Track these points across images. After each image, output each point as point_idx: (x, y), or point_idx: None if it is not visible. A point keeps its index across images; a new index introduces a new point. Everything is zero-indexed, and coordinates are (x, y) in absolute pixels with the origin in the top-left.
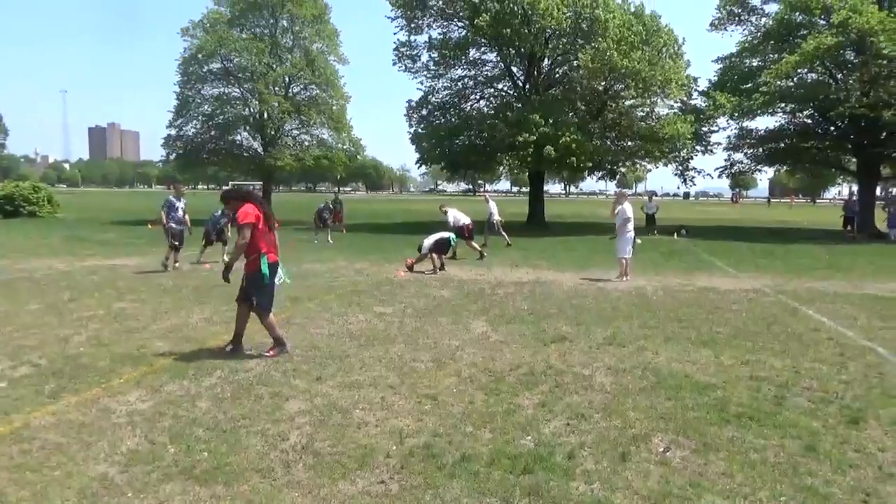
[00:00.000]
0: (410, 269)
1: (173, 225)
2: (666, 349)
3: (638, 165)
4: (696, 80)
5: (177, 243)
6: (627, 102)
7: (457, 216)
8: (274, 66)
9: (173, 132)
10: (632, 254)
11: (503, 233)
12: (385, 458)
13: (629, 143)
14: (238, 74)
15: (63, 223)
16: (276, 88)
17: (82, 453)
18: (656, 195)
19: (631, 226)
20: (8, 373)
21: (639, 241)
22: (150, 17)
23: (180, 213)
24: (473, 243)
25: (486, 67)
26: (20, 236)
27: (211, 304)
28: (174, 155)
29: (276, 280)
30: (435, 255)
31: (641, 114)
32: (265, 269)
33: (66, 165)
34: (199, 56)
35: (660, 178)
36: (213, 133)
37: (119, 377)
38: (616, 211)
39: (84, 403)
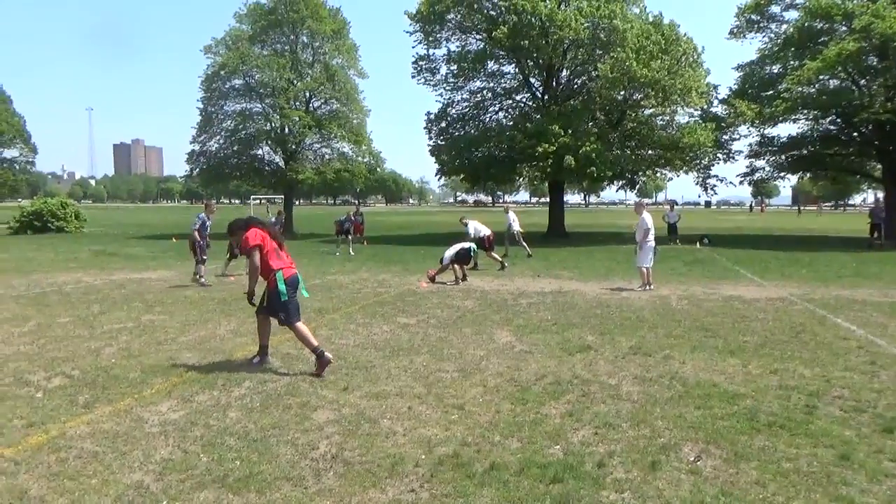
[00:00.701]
0: (433, 280)
1: (203, 243)
2: (693, 358)
3: (658, 174)
4: (716, 87)
5: (205, 257)
6: (647, 111)
7: (477, 227)
8: (294, 81)
9: (197, 147)
10: (653, 263)
11: (523, 243)
12: (414, 466)
13: (649, 152)
14: (259, 90)
15: (90, 238)
16: (297, 103)
17: (118, 462)
18: (677, 204)
19: (652, 235)
20: (43, 383)
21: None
22: (174, 37)
23: (208, 231)
24: (494, 254)
25: (505, 79)
26: (49, 251)
27: (237, 315)
28: (198, 170)
29: (297, 290)
30: (457, 266)
31: (661, 122)
32: (282, 286)
33: (92, 182)
34: (222, 73)
35: (680, 187)
36: (235, 148)
37: (150, 388)
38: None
39: (117, 413)
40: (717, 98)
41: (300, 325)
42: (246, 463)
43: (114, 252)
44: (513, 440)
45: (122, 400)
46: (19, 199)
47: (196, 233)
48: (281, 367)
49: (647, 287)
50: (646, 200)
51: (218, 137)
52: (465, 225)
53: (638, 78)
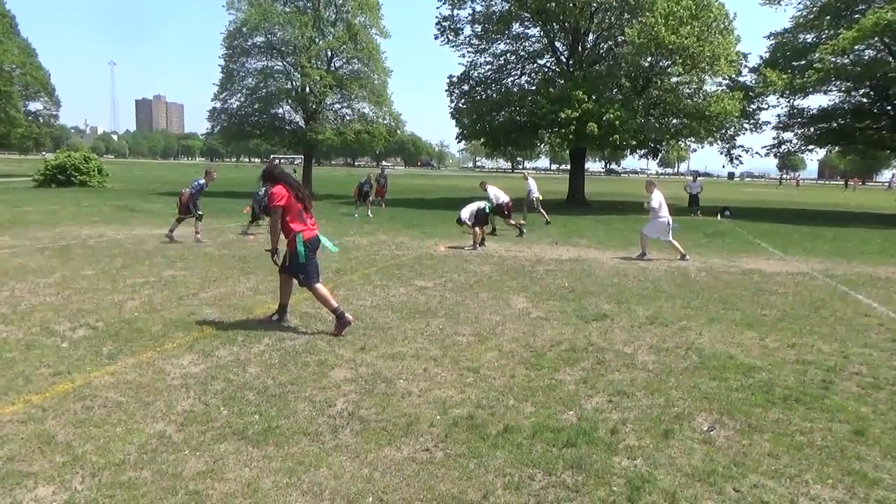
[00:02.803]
0: (477, 242)
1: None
2: (709, 330)
3: (682, 144)
4: (746, 56)
5: (200, 213)
6: (674, 79)
7: (496, 193)
8: (316, 39)
9: (218, 105)
10: (671, 236)
11: (542, 210)
12: (429, 426)
13: (674, 121)
14: (281, 48)
15: (112, 193)
16: (318, 62)
17: (141, 412)
18: (700, 175)
19: (663, 212)
20: (68, 334)
21: (677, 225)
22: None
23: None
24: (512, 220)
25: (529, 42)
26: (73, 205)
27: (256, 274)
28: (218, 127)
29: (319, 251)
30: (477, 230)
31: (688, 91)
32: (301, 248)
33: (115, 137)
34: (244, 30)
35: (703, 158)
36: (256, 106)
37: (172, 341)
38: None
39: (140, 365)
40: (746, 67)
41: (319, 286)
42: (265, 417)
43: (135, 207)
44: (527, 404)
45: (145, 352)
46: (44, 153)
47: (189, 195)
48: (299, 326)
49: (644, 255)
50: (654, 180)
51: (239, 95)
52: (485, 190)
53: (666, 44)
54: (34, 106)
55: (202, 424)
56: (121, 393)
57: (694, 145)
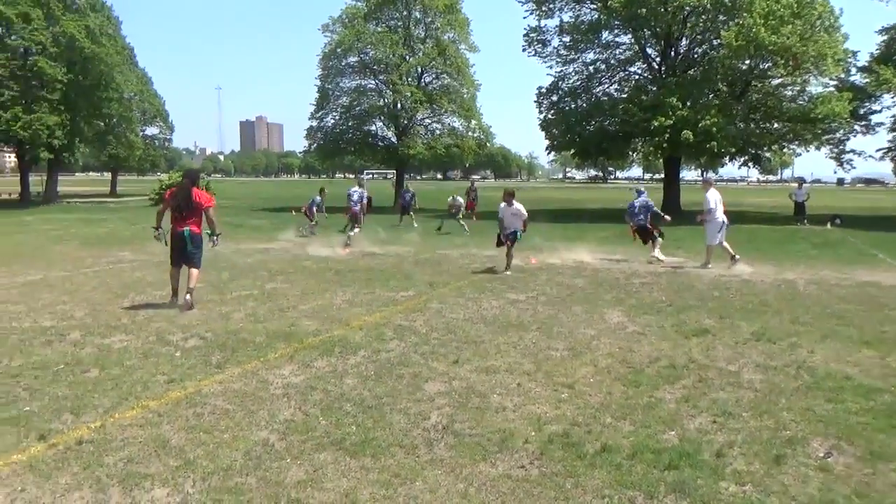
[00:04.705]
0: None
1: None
2: (822, 347)
3: (785, 149)
4: (854, 54)
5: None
6: (775, 81)
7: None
8: (407, 56)
9: (315, 123)
10: (721, 240)
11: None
12: (524, 443)
13: (776, 125)
14: (373, 66)
15: (219, 210)
16: (409, 79)
17: (246, 419)
18: (805, 182)
19: (717, 213)
20: (181, 343)
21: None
22: (293, 16)
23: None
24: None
25: (619, 50)
26: None
27: (352, 287)
28: (315, 145)
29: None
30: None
31: (791, 93)
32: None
33: (221, 157)
34: (338, 50)
35: (810, 163)
36: (350, 123)
37: (274, 352)
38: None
39: (245, 375)
40: (855, 65)
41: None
42: (362, 428)
43: (240, 223)
44: (625, 423)
45: (250, 362)
46: (159, 173)
47: (306, 209)
48: (394, 338)
49: (708, 266)
50: (712, 178)
51: (334, 113)
52: (640, 193)
53: (765, 45)
54: (150, 130)
55: (302, 434)
56: (228, 401)
57: (799, 150)
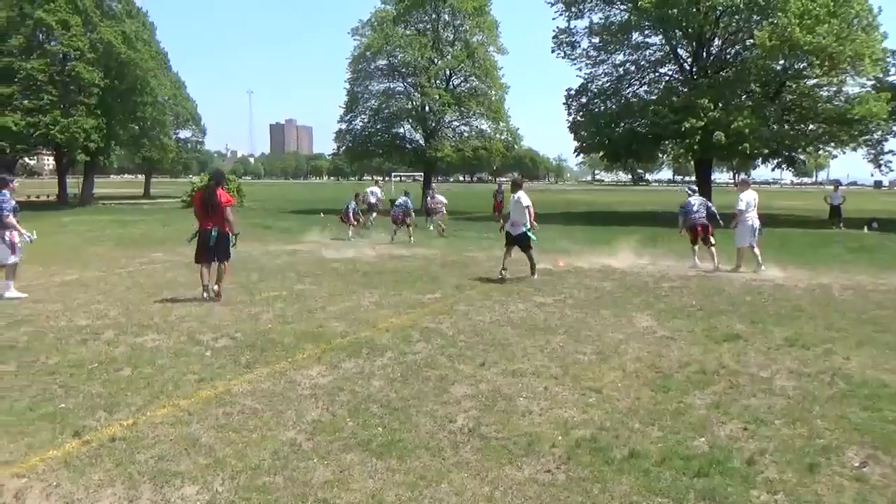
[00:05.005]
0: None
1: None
2: (858, 354)
3: (821, 151)
4: (893, 53)
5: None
6: (810, 82)
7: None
8: (435, 59)
9: (343, 126)
10: (754, 243)
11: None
12: (551, 447)
13: (811, 127)
14: (402, 69)
15: (250, 212)
16: (438, 81)
17: (274, 419)
18: (841, 184)
19: (749, 214)
20: (211, 343)
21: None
22: (323, 21)
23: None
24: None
25: (650, 51)
26: None
27: (379, 289)
28: (343, 147)
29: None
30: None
31: (826, 93)
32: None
33: (251, 159)
34: (367, 54)
35: (846, 165)
36: (378, 126)
37: (302, 353)
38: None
39: (274, 375)
40: (894, 65)
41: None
42: (388, 430)
43: (269, 225)
44: (653, 428)
45: (278, 363)
46: (191, 175)
47: (343, 216)
48: (420, 340)
49: (740, 269)
50: (748, 179)
51: (363, 116)
52: (695, 191)
53: (801, 45)
54: (183, 133)
55: (329, 434)
56: (256, 400)
57: (835, 152)
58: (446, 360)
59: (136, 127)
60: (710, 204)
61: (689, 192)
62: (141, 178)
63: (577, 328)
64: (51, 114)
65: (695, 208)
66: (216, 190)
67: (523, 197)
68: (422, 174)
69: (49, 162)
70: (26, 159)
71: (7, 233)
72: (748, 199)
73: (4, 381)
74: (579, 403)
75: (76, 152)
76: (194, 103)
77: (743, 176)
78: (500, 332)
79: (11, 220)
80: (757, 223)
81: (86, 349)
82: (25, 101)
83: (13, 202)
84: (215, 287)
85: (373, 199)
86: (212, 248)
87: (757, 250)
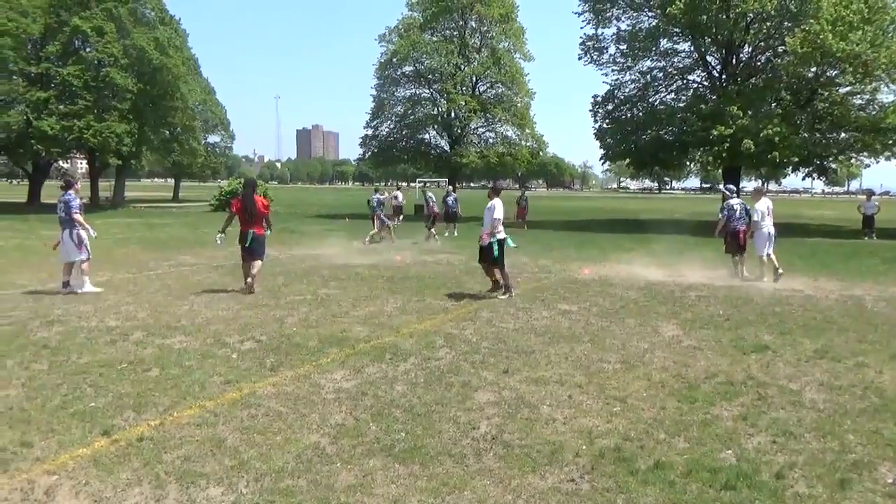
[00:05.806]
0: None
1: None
2: (891, 367)
3: (853, 160)
4: None
5: (385, 224)
6: (843, 89)
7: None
8: (462, 66)
9: (370, 132)
10: (770, 251)
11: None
12: (574, 456)
13: (843, 135)
14: (428, 76)
15: (276, 216)
16: (463, 88)
17: (298, 423)
18: (875, 193)
19: (765, 223)
20: (237, 346)
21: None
22: (351, 28)
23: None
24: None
25: (678, 58)
26: None
27: (403, 294)
28: (369, 153)
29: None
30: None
31: (860, 101)
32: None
33: (278, 164)
34: (394, 60)
35: (879, 174)
36: (404, 132)
37: (326, 357)
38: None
39: (298, 378)
40: None
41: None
42: (411, 435)
43: (295, 229)
44: (679, 439)
45: (302, 366)
46: (219, 180)
47: (375, 215)
48: (443, 346)
49: (764, 279)
50: (763, 188)
51: (388, 122)
52: (730, 195)
53: (833, 52)
54: (212, 138)
55: (353, 438)
56: (281, 403)
57: (868, 161)
58: (469, 367)
59: (167, 132)
60: (748, 208)
61: (728, 192)
62: (170, 182)
63: (602, 336)
64: (85, 118)
65: (737, 214)
66: (254, 197)
67: (497, 206)
68: (446, 180)
69: (82, 165)
70: (60, 162)
71: (76, 231)
72: (762, 209)
73: (38, 380)
74: (604, 412)
75: (108, 156)
76: (223, 108)
77: (756, 185)
78: (524, 340)
79: (79, 217)
80: (772, 231)
81: (115, 349)
82: (61, 106)
83: (79, 200)
84: (249, 280)
85: (396, 202)
86: (249, 248)
87: (773, 257)
